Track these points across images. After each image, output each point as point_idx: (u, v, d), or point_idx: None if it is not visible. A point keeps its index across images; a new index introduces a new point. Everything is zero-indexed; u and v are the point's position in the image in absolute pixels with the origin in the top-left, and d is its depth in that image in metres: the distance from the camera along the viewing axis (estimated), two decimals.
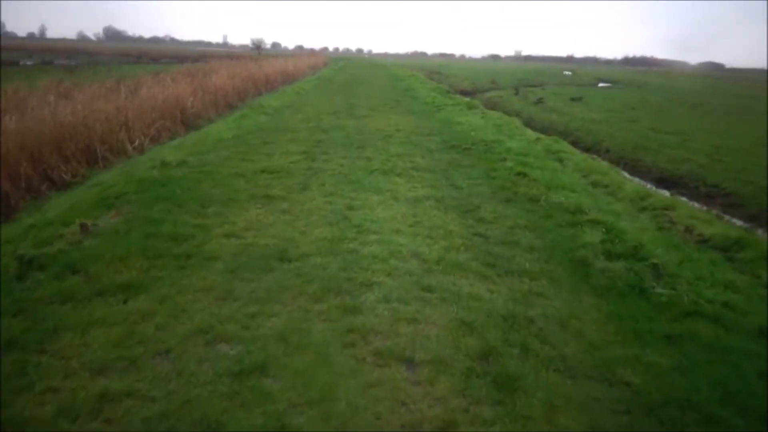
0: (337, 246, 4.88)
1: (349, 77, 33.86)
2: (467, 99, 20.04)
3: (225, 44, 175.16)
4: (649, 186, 11.92)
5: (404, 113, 14.67)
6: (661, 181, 14.70)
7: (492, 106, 28.99)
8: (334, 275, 4.24)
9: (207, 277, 4.20)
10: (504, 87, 38.80)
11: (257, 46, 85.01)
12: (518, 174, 7.53)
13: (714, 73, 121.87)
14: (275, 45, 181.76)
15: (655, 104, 29.39)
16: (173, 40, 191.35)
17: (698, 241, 5.60)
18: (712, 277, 4.48)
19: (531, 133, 12.41)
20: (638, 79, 55.10)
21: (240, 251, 4.74)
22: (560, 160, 9.04)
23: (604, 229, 5.30)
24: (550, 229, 5.46)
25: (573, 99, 29.74)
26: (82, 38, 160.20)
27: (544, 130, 21.41)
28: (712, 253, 5.20)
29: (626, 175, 10.08)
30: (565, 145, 10.42)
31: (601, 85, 47.55)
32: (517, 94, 32.51)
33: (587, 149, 17.64)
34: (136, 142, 11.34)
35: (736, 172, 14.06)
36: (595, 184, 7.63)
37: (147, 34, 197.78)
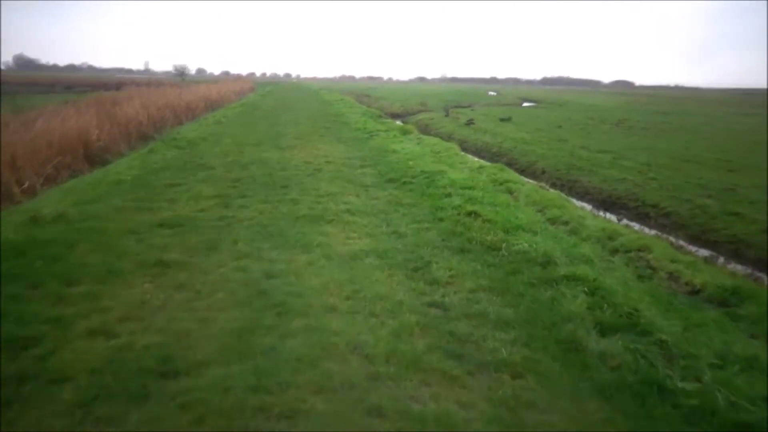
0: (247, 343, 3.49)
1: (275, 103, 32.29)
2: (400, 123, 19.10)
3: (147, 71, 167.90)
4: (590, 208, 11.35)
5: (334, 141, 13.43)
6: (601, 203, 14.29)
7: (423, 128, 28.40)
8: (240, 402, 2.86)
9: (41, 422, 2.71)
10: (434, 109, 38.60)
11: (180, 72, 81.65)
12: (469, 214, 6.45)
13: (625, 90, 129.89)
14: (200, 71, 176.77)
15: (579, 122, 29.87)
16: (91, 68, 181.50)
17: (689, 292, 4.69)
18: (731, 351, 3.51)
19: (472, 160, 11.53)
20: (559, 98, 56.99)
21: (106, 363, 3.25)
22: (510, 192, 8.10)
23: (585, 289, 4.25)
24: (522, 292, 4.33)
25: (502, 119, 29.73)
26: None
27: (479, 152, 20.90)
28: (711, 312, 4.27)
29: (581, 204, 9.28)
30: (511, 174, 9.54)
31: (525, 104, 48.63)
32: (447, 115, 32.21)
33: (522, 171, 17.17)
34: (26, 184, 9.50)
35: (672, 189, 13.83)
36: (553, 221, 6.69)
37: (63, 62, 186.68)
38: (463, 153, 12.87)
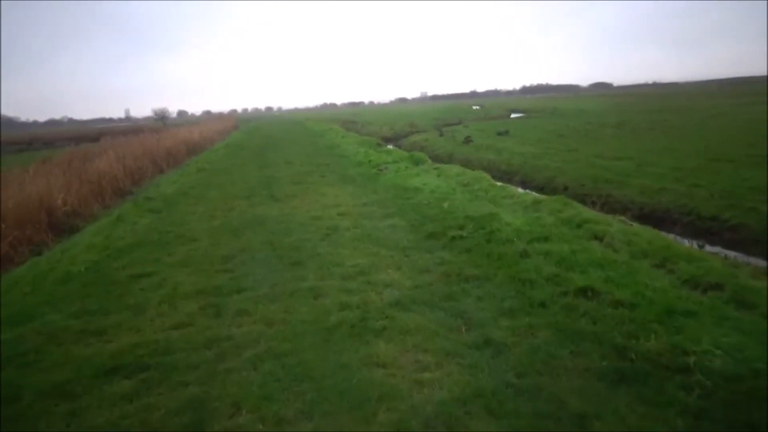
0: None
1: (262, 140, 29.84)
2: (402, 151, 16.86)
3: (128, 118, 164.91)
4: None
5: (339, 182, 11.12)
6: (644, 218, 12.24)
7: (420, 150, 26.33)
8: None
9: None
10: (424, 129, 36.66)
11: (161, 116, 79.15)
12: (580, 292, 4.19)
13: (605, 91, 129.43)
14: (182, 113, 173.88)
15: (579, 129, 28.02)
16: (72, 121, 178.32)
17: None
18: None
19: (516, 191, 9.30)
20: (547, 106, 55.21)
21: None
22: (596, 237, 5.85)
23: None
24: None
25: (499, 133, 27.76)
26: None
27: (487, 170, 18.81)
28: None
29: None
30: (579, 208, 7.30)
31: (513, 115, 46.90)
32: (442, 135, 30.19)
33: (541, 189, 15.06)
34: None
35: (725, 197, 11.77)
36: (693, 282, 4.46)
37: (42, 118, 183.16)
38: (501, 184, 10.63)
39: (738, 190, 11.98)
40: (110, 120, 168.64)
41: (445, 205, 7.45)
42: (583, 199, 14.29)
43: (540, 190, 14.71)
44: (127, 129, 58.24)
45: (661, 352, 3.22)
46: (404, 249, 5.96)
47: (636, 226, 6.74)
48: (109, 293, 5.27)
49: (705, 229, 10.60)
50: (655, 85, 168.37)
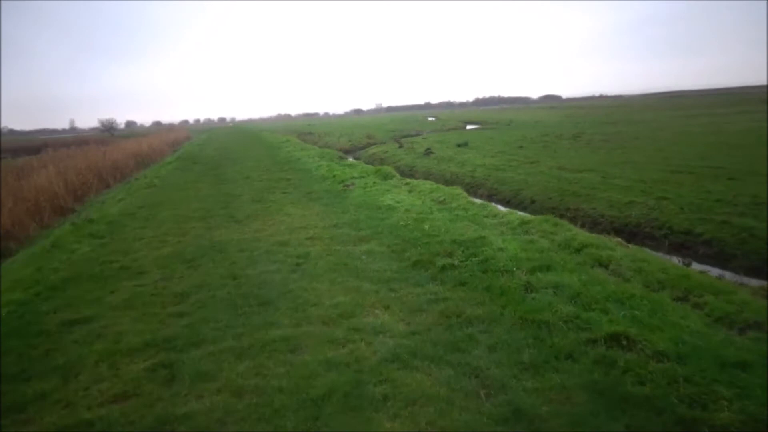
0: None
1: (216, 152, 28.31)
2: (373, 167, 16.01)
3: (73, 129, 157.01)
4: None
5: (304, 200, 10.20)
6: (616, 233, 11.93)
7: (380, 162, 25.62)
8: None
9: None
10: (382, 140, 36.07)
11: (108, 127, 75.28)
12: (611, 339, 3.52)
13: (555, 103, 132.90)
14: (130, 123, 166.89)
15: (537, 141, 28.12)
16: (12, 132, 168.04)
17: None
18: None
19: (496, 209, 8.66)
20: (501, 118, 55.60)
21: None
22: (601, 264, 5.25)
23: None
24: None
25: (459, 145, 27.46)
26: None
27: (451, 183, 18.29)
28: None
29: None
30: (574, 229, 6.72)
31: (469, 127, 47.01)
32: (401, 146, 29.66)
33: (507, 202, 14.65)
34: None
35: (694, 210, 11.65)
36: (717, 315, 3.89)
37: None
38: (480, 201, 9.98)
39: (705, 203, 11.88)
40: (54, 131, 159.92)
41: (426, 226, 6.71)
42: (552, 212, 13.98)
43: (507, 203, 14.28)
44: (72, 140, 54.87)
45: (741, 426, 2.56)
46: (389, 281, 5.16)
47: (632, 247, 6.21)
48: (34, 348, 4.21)
49: (679, 244, 10.36)
50: (602, 98, 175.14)
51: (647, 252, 6.34)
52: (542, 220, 6.92)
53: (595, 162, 18.91)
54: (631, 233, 11.48)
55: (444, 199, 8.86)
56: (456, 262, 5.38)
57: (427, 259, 5.62)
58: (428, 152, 25.43)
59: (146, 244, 7.50)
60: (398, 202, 8.66)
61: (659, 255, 8.87)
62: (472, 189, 17.17)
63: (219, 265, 6.08)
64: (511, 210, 9.78)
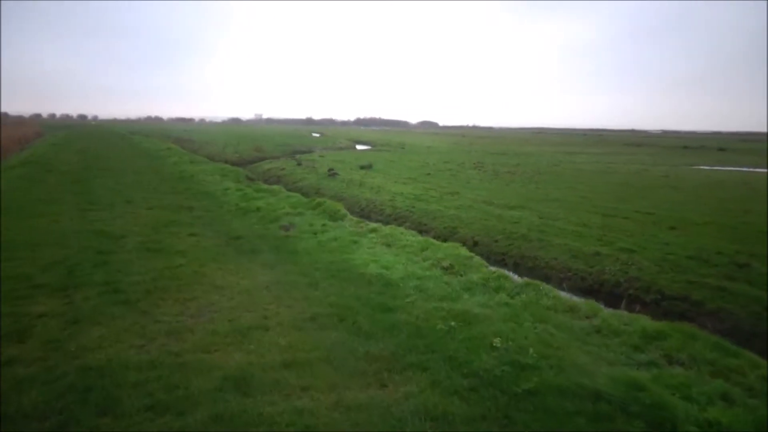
0: None
1: (80, 156, 21.20)
2: (303, 198, 11.57)
3: None
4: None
5: (230, 251, 5.90)
6: (593, 294, 9.65)
7: (276, 180, 21.38)
8: None
9: None
10: (273, 154, 31.54)
11: None
12: None
13: (436, 130, 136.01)
14: None
15: (441, 168, 25.98)
16: None
17: None
18: None
19: (541, 286, 5.29)
20: (390, 140, 53.22)
21: None
22: None
23: None
24: None
25: (363, 167, 24.25)
26: None
27: (366, 214, 14.89)
28: None
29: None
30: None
31: (359, 147, 44.18)
32: (300, 164, 25.58)
33: (445, 239, 11.62)
34: None
35: (675, 270, 9.79)
36: None
37: None
38: (493, 268, 6.52)
39: (679, 260, 10.02)
40: None
41: (497, 341, 3.13)
42: (503, 260, 11.18)
43: (444, 240, 11.24)
44: None
45: None
46: None
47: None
48: None
49: (679, 314, 8.09)
50: (475, 128, 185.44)
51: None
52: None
53: (519, 197, 16.88)
54: (611, 294, 9.11)
55: (450, 264, 5.33)
56: None
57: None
58: (332, 173, 21.83)
59: None
60: (387, 269, 4.95)
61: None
62: (395, 221, 13.97)
63: None
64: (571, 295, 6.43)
